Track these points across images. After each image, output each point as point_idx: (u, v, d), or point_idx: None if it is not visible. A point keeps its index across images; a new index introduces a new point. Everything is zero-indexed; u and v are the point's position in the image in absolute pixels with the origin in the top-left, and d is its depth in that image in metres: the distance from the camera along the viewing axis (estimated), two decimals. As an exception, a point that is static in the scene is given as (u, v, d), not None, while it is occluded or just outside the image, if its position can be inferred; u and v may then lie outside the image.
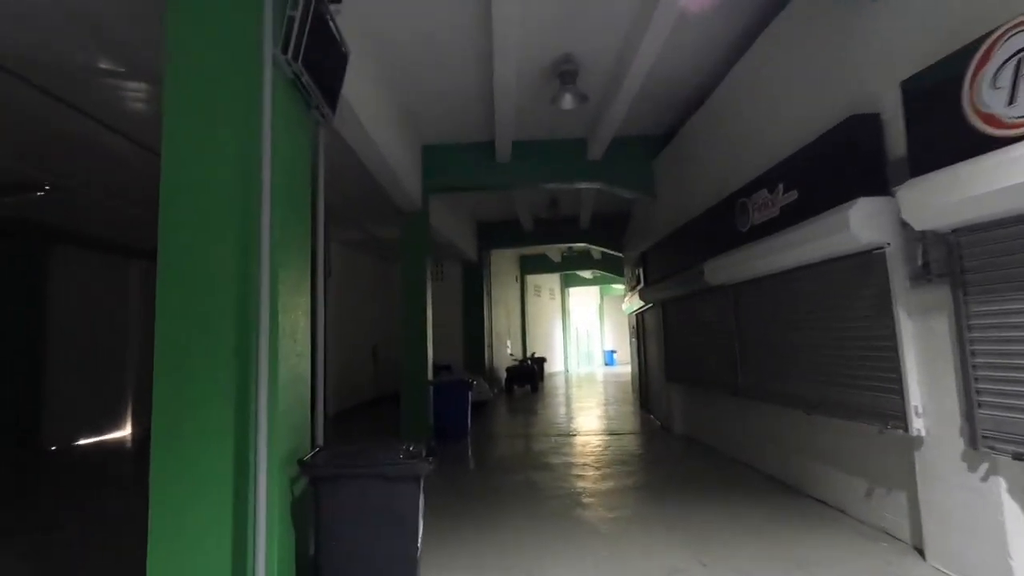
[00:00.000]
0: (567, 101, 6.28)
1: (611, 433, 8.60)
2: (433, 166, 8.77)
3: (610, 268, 19.34)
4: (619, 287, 28.10)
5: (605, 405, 12.35)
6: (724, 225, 5.66)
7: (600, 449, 7.36)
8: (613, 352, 30.16)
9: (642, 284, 9.17)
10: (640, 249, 9.52)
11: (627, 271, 13.09)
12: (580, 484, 5.57)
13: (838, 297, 4.02)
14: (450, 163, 8.80)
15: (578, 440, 8.06)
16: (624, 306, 13.85)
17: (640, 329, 10.92)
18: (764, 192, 4.75)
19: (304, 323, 3.14)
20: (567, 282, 25.84)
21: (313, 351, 3.40)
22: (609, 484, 5.54)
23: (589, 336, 29.51)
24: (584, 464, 6.49)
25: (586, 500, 5.01)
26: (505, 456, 7.21)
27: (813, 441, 4.70)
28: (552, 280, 24.73)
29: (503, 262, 17.77)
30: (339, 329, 11.66)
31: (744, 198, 5.14)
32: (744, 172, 5.40)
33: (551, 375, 21.64)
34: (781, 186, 4.48)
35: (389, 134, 6.47)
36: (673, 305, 7.96)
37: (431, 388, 8.54)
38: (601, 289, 30.11)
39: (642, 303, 9.64)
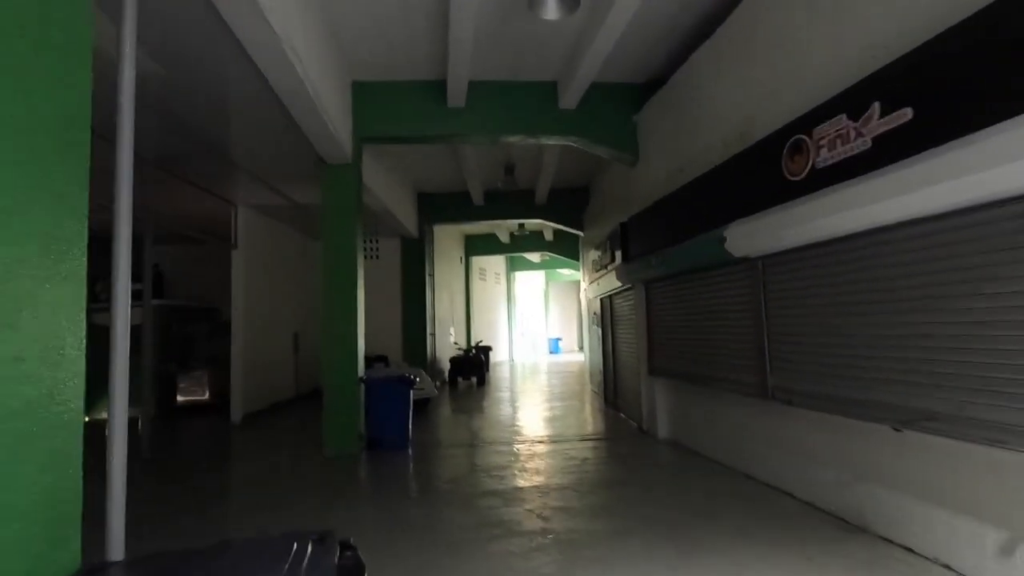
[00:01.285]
0: (550, 8, 4.69)
1: (582, 438, 7.20)
2: (367, 108, 6.94)
3: (562, 250, 18.04)
4: (566, 272, 26.97)
5: (563, 401, 10.99)
6: (757, 177, 4.29)
7: (576, 463, 5.93)
8: (558, 340, 29.12)
9: (618, 262, 7.78)
10: (616, 222, 8.13)
11: (586, 253, 11.77)
12: (568, 524, 4.08)
13: (983, 264, 2.70)
14: (389, 105, 7.01)
15: (544, 449, 6.60)
16: (583, 290, 12.57)
17: (608, 315, 9.59)
18: (841, 120, 3.38)
19: (54, 298, 1.40)
20: (513, 266, 24.39)
21: (102, 351, 1.67)
22: (608, 524, 4.08)
23: (534, 323, 28.28)
24: (563, 487, 5.02)
25: (586, 553, 3.53)
26: (459, 477, 5.62)
27: (899, 466, 3.43)
28: (498, 263, 23.19)
29: (447, 241, 16.03)
30: (251, 314, 9.60)
31: (800, 135, 3.77)
32: (784, 106, 4.04)
33: (496, 365, 20.17)
34: (877, 106, 3.12)
35: (304, 43, 4.63)
36: (663, 285, 6.61)
37: (363, 386, 6.80)
38: (547, 274, 28.92)
39: (614, 285, 8.28)
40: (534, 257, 22.75)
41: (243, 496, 5.34)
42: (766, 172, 4.15)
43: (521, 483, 5.21)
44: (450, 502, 4.75)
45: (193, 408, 10.30)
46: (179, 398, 10.26)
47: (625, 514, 4.25)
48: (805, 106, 3.78)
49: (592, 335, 12.11)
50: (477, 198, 12.31)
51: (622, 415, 8.68)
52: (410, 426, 7.01)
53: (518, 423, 8.51)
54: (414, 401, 7.25)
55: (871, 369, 3.38)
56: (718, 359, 5.36)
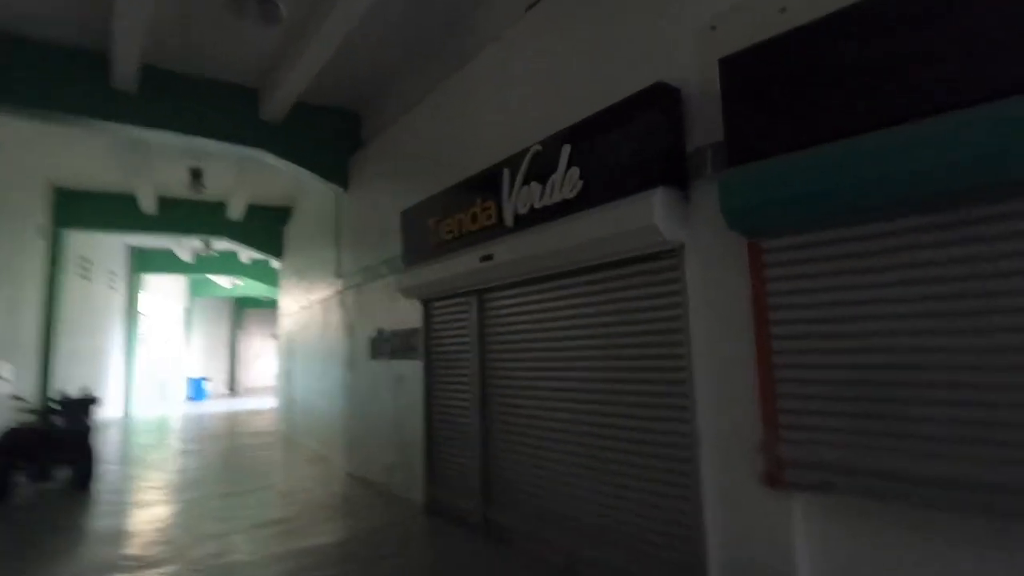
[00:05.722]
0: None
1: None
2: None
3: (253, 238, 11.60)
4: (226, 282, 19.07)
5: (327, 522, 5.20)
6: None
7: None
8: (203, 381, 20.40)
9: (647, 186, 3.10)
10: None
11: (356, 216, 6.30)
12: None
13: None
14: None
15: None
16: (331, 294, 6.76)
17: (475, 333, 4.60)
18: None
19: None
20: (141, 264, 15.42)
21: None
22: None
23: (169, 356, 18.93)
24: None
25: None
26: None
27: None
28: (115, 254, 14.13)
29: (9, 174, 7.65)
30: None
31: None
32: None
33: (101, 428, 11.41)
34: None
35: None
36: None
37: None
38: (192, 284, 20.15)
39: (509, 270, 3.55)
40: (183, 252, 14.70)
41: None
42: None
43: None
44: None
45: None
46: None
47: None
48: None
49: (362, 372, 6.60)
50: (126, 79, 5.46)
51: (498, 539, 3.80)
52: None
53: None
54: None
55: None
56: None
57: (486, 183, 4.20)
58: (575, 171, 3.42)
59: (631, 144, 3.11)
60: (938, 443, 2.14)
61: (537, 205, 3.69)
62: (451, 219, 4.60)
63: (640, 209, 2.95)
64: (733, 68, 2.69)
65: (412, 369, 5.49)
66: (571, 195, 3.43)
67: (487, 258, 4.05)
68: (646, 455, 3.14)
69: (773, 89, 2.53)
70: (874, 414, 2.32)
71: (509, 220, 3.95)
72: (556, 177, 3.54)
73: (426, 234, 4.97)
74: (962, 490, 2.06)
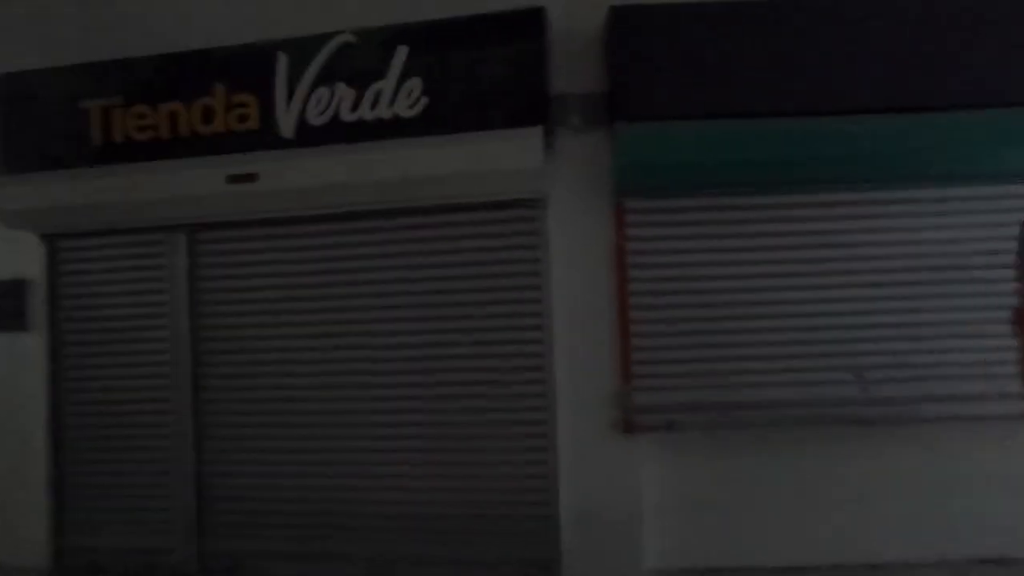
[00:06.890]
0: None
1: None
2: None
3: None
4: None
5: None
6: None
7: None
8: None
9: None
10: None
11: None
12: None
13: None
14: None
15: None
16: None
17: (183, 289, 3.03)
18: None
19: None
20: None
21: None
22: None
23: None
24: None
25: None
26: None
27: None
28: None
29: None
30: None
31: None
32: None
33: None
34: None
35: None
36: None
37: None
38: None
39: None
40: None
41: None
42: None
43: None
44: None
45: None
46: None
47: None
48: None
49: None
50: None
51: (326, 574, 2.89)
52: None
53: None
54: None
55: None
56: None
57: (242, 66, 2.83)
58: (416, 83, 2.69)
59: (504, 69, 2.66)
60: (764, 375, 2.71)
61: (347, 117, 2.73)
62: (152, 109, 2.89)
63: (519, 148, 2.57)
64: (629, 19, 2.63)
65: (7, 349, 3.25)
66: (410, 113, 2.69)
67: (244, 178, 2.74)
68: (493, 423, 2.80)
69: (673, 55, 2.60)
70: (714, 357, 2.75)
71: (288, 129, 2.79)
72: (385, 86, 2.70)
73: (76, 124, 2.97)
74: (787, 408, 2.67)
